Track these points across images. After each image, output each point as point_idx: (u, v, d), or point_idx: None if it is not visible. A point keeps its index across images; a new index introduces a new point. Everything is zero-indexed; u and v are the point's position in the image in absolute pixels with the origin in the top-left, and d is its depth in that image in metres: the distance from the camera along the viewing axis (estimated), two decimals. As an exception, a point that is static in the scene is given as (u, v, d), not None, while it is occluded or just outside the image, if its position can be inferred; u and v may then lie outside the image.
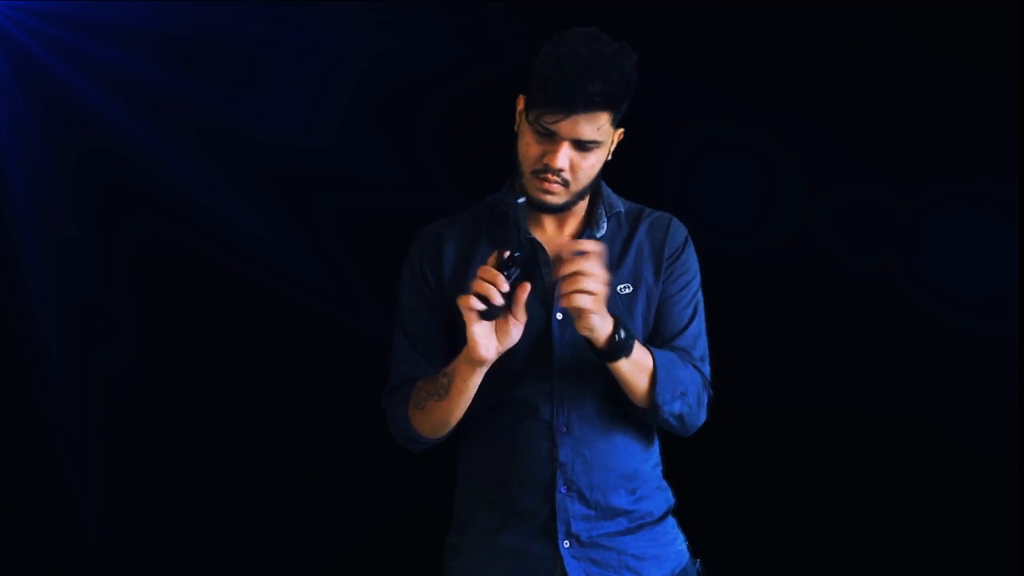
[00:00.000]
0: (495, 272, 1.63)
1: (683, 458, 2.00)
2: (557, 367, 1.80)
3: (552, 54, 1.70)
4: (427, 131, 2.88)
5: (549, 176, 1.74)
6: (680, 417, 1.82)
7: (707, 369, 1.90)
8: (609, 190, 1.93)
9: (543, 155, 1.73)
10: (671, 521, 1.94)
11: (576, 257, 1.64)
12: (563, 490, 1.83)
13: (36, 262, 2.99)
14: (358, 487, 3.05)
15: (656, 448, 1.96)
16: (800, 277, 2.76)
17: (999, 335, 2.63)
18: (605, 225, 1.87)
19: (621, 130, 1.82)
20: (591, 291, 1.62)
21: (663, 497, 1.94)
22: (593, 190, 1.90)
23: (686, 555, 1.94)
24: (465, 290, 1.69)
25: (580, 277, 1.62)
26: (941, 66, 2.63)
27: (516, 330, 1.68)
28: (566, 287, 1.63)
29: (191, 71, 2.92)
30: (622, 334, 1.70)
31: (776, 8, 2.71)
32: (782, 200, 2.76)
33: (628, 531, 1.86)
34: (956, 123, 2.63)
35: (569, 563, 1.83)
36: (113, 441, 3.07)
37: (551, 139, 1.72)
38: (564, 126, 1.70)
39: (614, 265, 1.86)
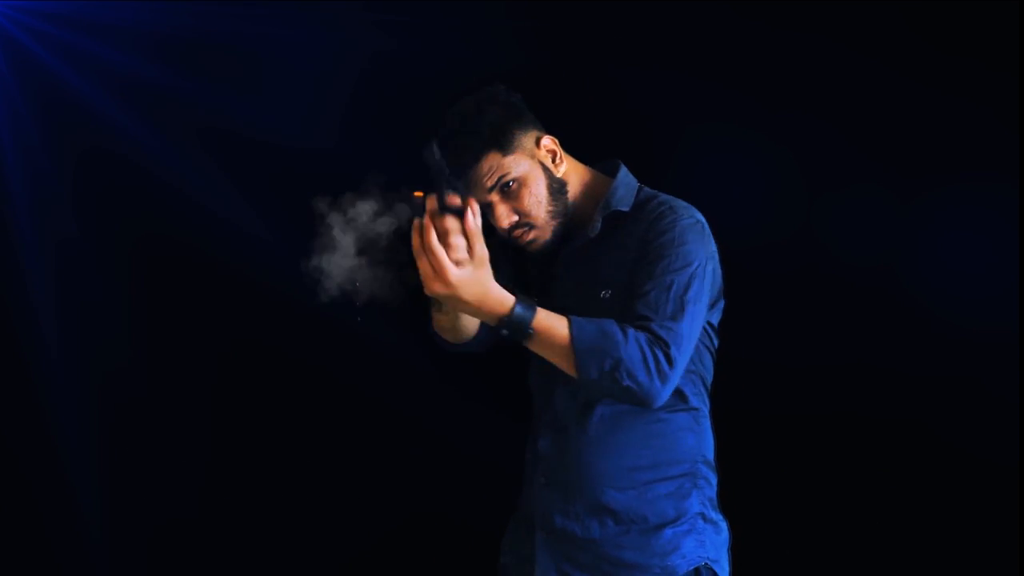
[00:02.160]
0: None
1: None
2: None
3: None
4: (427, 131, 2.88)
5: (514, 233, 1.81)
6: (626, 391, 1.68)
7: (670, 332, 1.69)
8: (623, 187, 1.87)
9: (495, 223, 1.81)
10: (676, 532, 1.82)
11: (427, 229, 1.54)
12: (541, 480, 1.84)
13: (36, 262, 2.99)
14: (358, 487, 3.05)
15: (681, 452, 1.85)
16: (800, 277, 2.76)
17: (999, 335, 2.63)
18: (599, 226, 1.85)
19: (547, 140, 1.84)
20: (431, 270, 1.54)
21: (675, 506, 1.83)
22: (603, 188, 1.88)
23: (680, 570, 1.81)
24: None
25: (424, 258, 1.54)
26: (941, 66, 2.63)
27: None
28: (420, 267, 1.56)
29: (191, 71, 2.92)
30: (514, 317, 1.61)
31: (776, 8, 2.71)
32: (782, 200, 2.76)
33: (614, 534, 1.80)
34: (956, 123, 2.63)
35: (540, 554, 1.82)
36: (113, 441, 3.07)
37: (485, 210, 1.78)
38: (473, 194, 1.77)
39: (597, 267, 1.83)
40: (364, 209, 1.75)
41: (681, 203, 1.84)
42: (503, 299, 1.61)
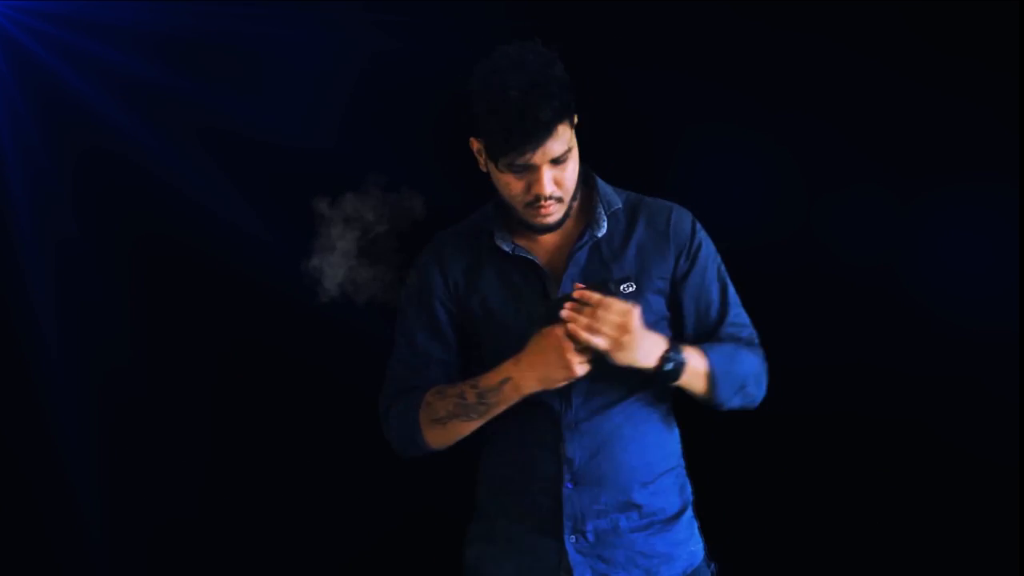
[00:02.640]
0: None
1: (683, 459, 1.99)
2: None
3: (492, 98, 1.69)
4: (427, 131, 2.88)
5: (543, 203, 1.77)
6: (742, 407, 1.88)
7: (756, 334, 1.93)
8: (606, 186, 1.92)
9: (528, 187, 1.76)
10: (685, 520, 1.92)
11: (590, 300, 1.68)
12: (569, 485, 1.83)
13: (36, 262, 2.99)
14: (358, 487, 3.05)
15: (674, 444, 1.94)
16: (800, 277, 2.75)
17: (999, 335, 2.63)
18: (605, 225, 1.87)
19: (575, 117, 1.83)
20: (605, 335, 1.67)
21: (679, 495, 1.92)
22: (588, 188, 1.90)
23: (700, 556, 1.92)
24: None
25: (591, 324, 1.67)
26: (941, 66, 2.63)
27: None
28: (582, 328, 1.67)
29: (191, 71, 2.92)
30: (669, 366, 1.73)
31: (776, 8, 2.71)
32: (782, 200, 2.76)
33: (639, 528, 1.85)
34: (956, 123, 2.63)
35: (574, 558, 1.83)
36: (113, 441, 3.07)
37: (529, 171, 1.74)
38: (537, 156, 1.72)
39: (609, 264, 1.86)
40: (364, 209, 1.75)
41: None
42: (659, 338, 1.74)
